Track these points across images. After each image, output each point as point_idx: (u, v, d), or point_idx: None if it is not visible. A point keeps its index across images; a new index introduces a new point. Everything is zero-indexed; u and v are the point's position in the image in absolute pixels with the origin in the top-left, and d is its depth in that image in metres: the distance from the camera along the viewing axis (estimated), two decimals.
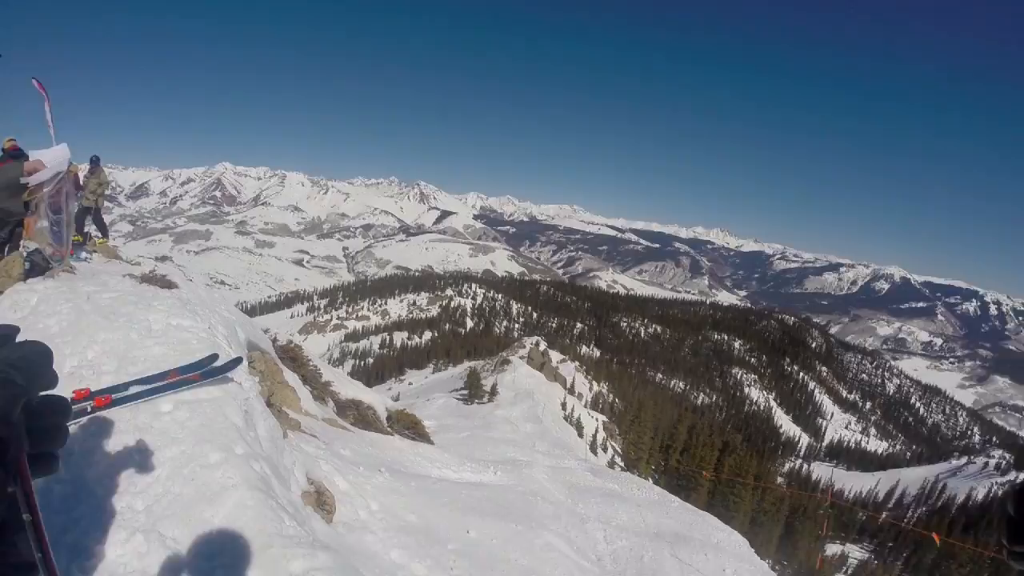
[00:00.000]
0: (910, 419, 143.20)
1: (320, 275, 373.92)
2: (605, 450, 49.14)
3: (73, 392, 4.19)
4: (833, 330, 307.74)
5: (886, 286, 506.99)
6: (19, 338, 0.85)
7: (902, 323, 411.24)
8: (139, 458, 3.58)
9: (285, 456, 5.20)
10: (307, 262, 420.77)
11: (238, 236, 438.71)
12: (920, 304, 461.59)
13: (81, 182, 12.32)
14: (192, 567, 2.91)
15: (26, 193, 1.58)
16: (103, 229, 13.30)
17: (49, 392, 0.82)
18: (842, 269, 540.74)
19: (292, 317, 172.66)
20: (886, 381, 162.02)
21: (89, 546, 2.84)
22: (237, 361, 5.08)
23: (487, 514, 7.85)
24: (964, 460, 76.48)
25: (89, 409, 4.00)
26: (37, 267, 6.87)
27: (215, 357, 4.99)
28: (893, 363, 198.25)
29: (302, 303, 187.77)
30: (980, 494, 54.10)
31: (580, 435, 46.63)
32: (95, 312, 5.57)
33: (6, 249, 7.91)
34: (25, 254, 6.89)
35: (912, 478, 65.92)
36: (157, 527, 3.12)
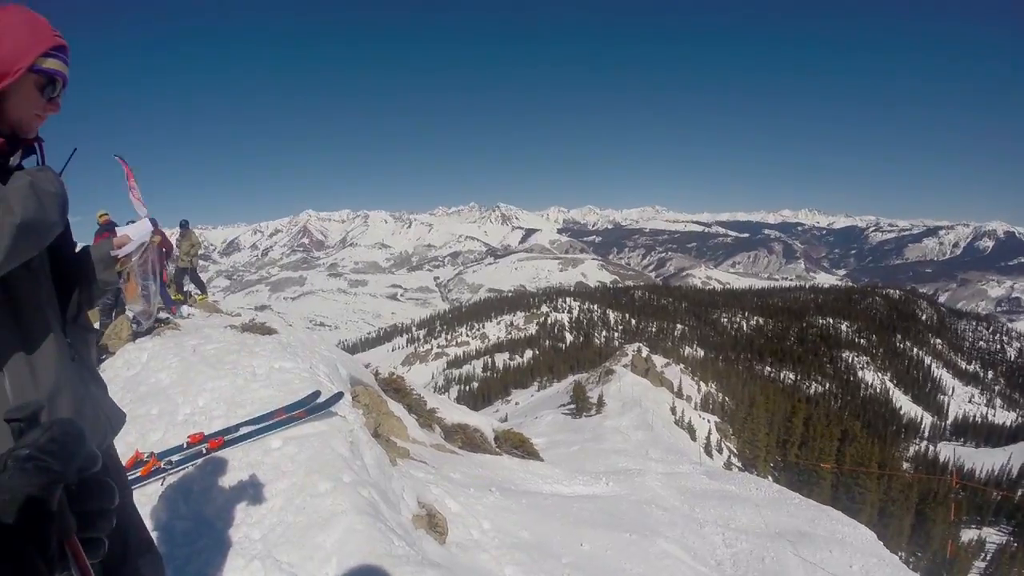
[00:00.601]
0: None
1: (415, 307, 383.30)
2: (720, 451, 47.76)
3: (188, 437, 4.52)
4: (942, 298, 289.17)
5: (991, 244, 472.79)
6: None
7: (1014, 281, 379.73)
8: (253, 492, 3.81)
9: (394, 482, 5.35)
10: (401, 295, 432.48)
11: (331, 278, 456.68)
12: None
13: (174, 245, 13.23)
14: None
15: (117, 265, 1.77)
16: (201, 286, 14.16)
17: (92, 472, 0.73)
18: (941, 232, 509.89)
19: (393, 350, 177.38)
20: (1006, 346, 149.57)
21: (210, 574, 3.03)
22: (339, 396, 5.31)
23: (599, 525, 7.78)
24: None
25: (204, 451, 4.31)
26: (143, 329, 7.43)
27: (317, 394, 5.23)
28: (1010, 325, 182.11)
29: (401, 336, 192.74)
30: None
31: (693, 438, 45.48)
32: (202, 363, 5.96)
33: (114, 313, 8.60)
34: (132, 316, 7.46)
35: None
36: (273, 553, 3.30)
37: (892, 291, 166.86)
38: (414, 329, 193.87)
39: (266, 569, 3.17)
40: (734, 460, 47.96)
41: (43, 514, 0.61)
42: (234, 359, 6.14)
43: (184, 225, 13.77)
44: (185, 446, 4.45)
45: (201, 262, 14.15)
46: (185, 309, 10.19)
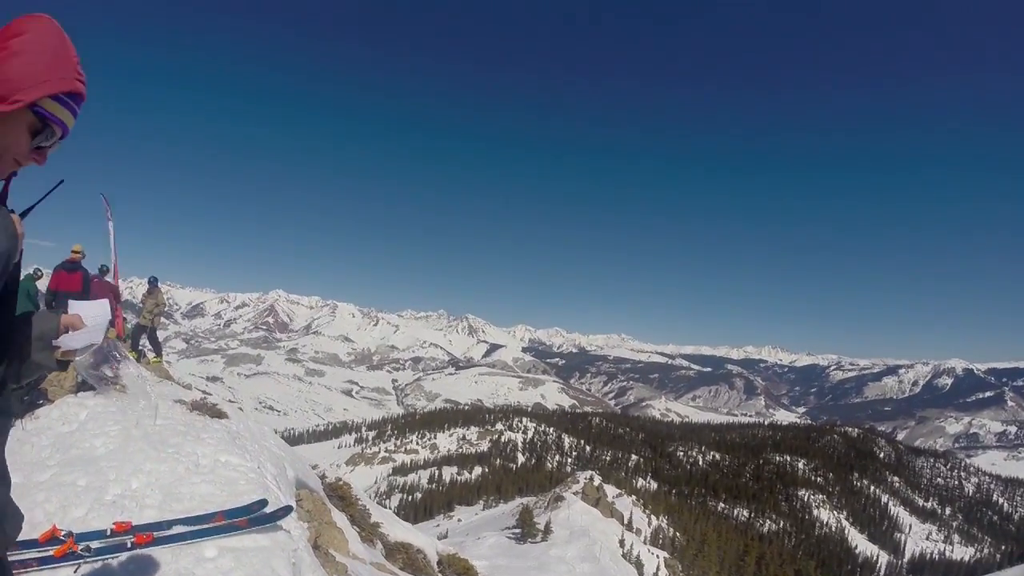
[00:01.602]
0: (995, 518, 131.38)
1: (369, 406, 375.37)
2: None
3: (114, 524, 4.03)
4: (900, 436, 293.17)
5: (949, 381, 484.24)
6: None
7: (971, 417, 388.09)
8: None
9: None
10: (356, 392, 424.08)
11: (288, 363, 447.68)
12: (988, 394, 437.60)
13: (140, 301, 12.88)
14: None
15: (58, 353, 1.54)
16: (157, 348, 13.70)
17: None
18: (901, 371, 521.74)
19: (339, 447, 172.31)
20: (963, 481, 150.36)
21: None
22: (287, 510, 4.84)
23: None
24: None
25: (129, 544, 3.83)
26: (87, 384, 6.91)
27: (264, 503, 4.76)
28: (968, 461, 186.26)
29: (350, 434, 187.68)
30: None
31: (641, 574, 43.98)
32: (143, 439, 5.49)
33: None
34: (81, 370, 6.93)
35: None
36: None
37: (850, 429, 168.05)
38: (364, 429, 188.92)
39: None
40: None
41: None
42: (178, 442, 5.64)
43: (153, 282, 13.50)
44: (109, 533, 3.95)
45: (163, 320, 13.74)
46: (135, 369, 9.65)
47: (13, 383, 1.55)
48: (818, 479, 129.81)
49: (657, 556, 51.46)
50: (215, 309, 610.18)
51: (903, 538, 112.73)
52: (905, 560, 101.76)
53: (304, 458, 11.32)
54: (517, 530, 46.01)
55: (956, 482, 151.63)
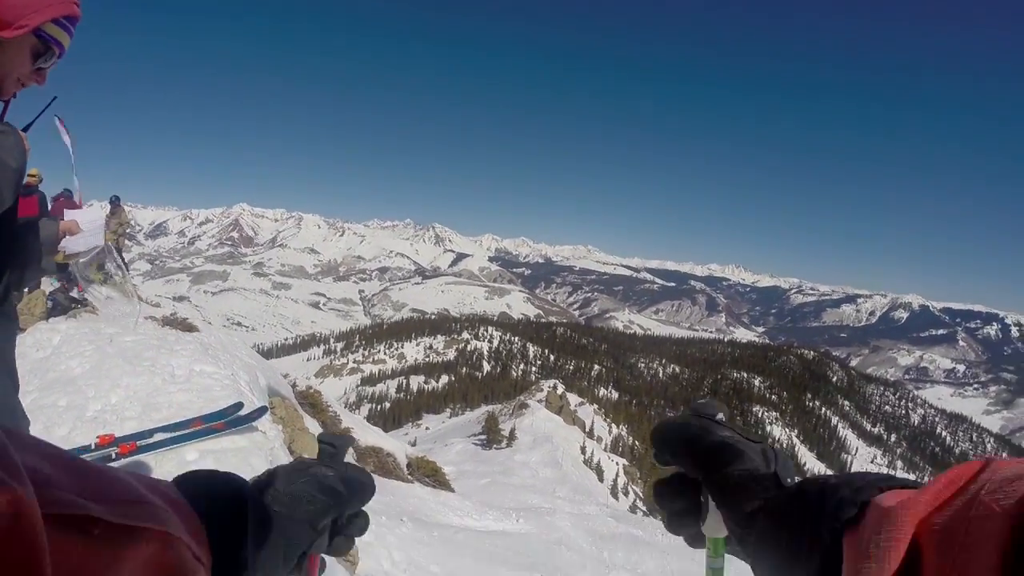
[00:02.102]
0: (937, 449, 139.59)
1: (336, 318, 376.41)
2: (627, 494, 48.17)
3: (98, 437, 4.15)
4: (853, 362, 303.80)
5: (905, 315, 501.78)
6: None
7: (923, 351, 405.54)
8: None
9: None
10: (323, 304, 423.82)
11: (255, 277, 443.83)
12: (940, 331, 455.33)
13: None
14: None
15: (60, 256, 1.54)
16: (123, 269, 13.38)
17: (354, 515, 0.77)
18: (860, 300, 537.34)
19: (308, 360, 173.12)
20: (910, 412, 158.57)
21: None
22: (262, 411, 5.02)
23: (511, 564, 7.65)
24: None
25: (113, 455, 3.96)
26: (59, 306, 6.90)
27: (240, 406, 4.92)
28: (916, 393, 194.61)
29: (318, 346, 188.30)
30: None
31: (601, 479, 45.77)
32: (118, 355, 5.57)
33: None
34: (47, 292, 6.91)
35: None
36: None
37: (807, 351, 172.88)
38: (332, 341, 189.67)
39: None
40: (639, 504, 48.42)
41: (304, 523, 0.65)
42: (152, 356, 5.75)
43: (115, 201, 13.03)
44: (94, 447, 4.08)
45: (126, 242, 13.42)
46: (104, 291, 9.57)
47: (15, 289, 1.64)
48: (773, 397, 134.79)
49: (617, 463, 53.51)
50: (178, 227, 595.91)
51: (849, 459, 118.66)
52: None
53: (275, 368, 11.50)
54: (483, 436, 47.34)
55: (903, 411, 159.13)
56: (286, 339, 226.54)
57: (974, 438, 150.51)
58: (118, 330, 6.25)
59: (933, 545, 0.38)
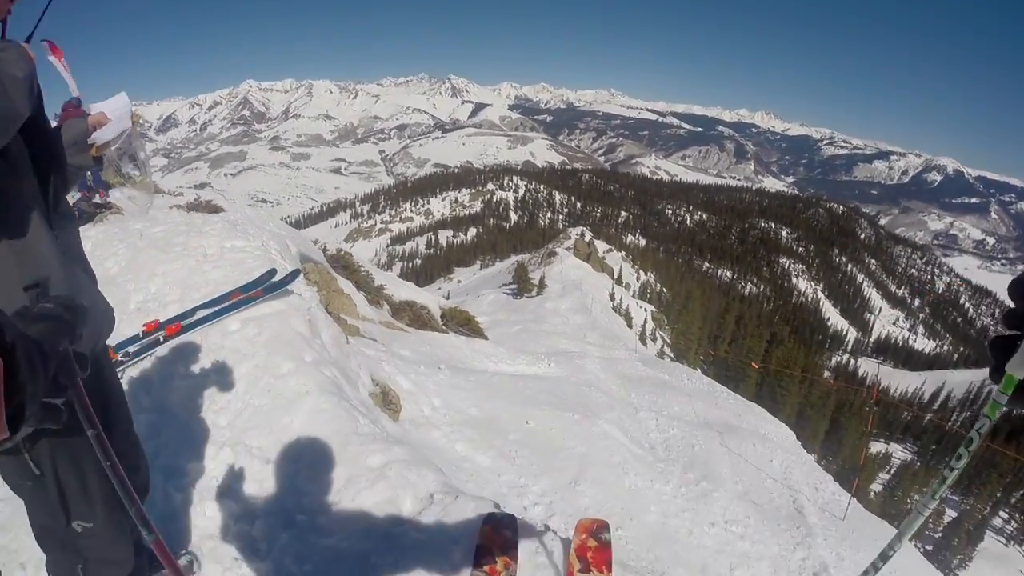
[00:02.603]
0: (959, 320, 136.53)
1: (359, 181, 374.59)
2: (654, 340, 49.48)
3: (144, 325, 4.38)
4: (883, 221, 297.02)
5: (938, 178, 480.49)
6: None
7: (954, 218, 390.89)
8: (216, 377, 3.79)
9: (351, 360, 5.44)
10: (345, 169, 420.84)
11: (272, 152, 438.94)
12: (973, 200, 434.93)
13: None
14: (278, 471, 3.13)
15: (93, 150, 1.61)
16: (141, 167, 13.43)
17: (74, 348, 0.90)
18: (893, 158, 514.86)
19: (336, 226, 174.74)
20: (936, 278, 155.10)
21: (181, 466, 3.06)
22: (295, 274, 5.25)
23: (544, 405, 8.14)
24: None
25: (161, 339, 4.20)
26: (85, 215, 7.07)
27: (273, 272, 5.15)
28: (943, 260, 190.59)
29: (345, 211, 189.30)
30: None
31: (629, 325, 46.83)
32: (150, 247, 5.77)
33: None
34: (72, 203, 7.08)
35: (958, 381, 62.00)
36: (242, 439, 3.34)
37: (836, 205, 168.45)
38: (358, 204, 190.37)
39: (237, 455, 3.22)
40: (667, 350, 49.82)
41: (41, 365, 0.77)
42: (183, 240, 5.96)
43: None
44: (141, 335, 4.30)
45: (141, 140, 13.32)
46: (125, 192, 9.71)
47: (63, 191, 1.76)
48: (799, 249, 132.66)
49: (645, 309, 54.52)
50: (187, 116, 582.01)
51: (872, 319, 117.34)
52: (871, 339, 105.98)
53: (304, 235, 11.77)
54: (514, 286, 48.19)
55: (929, 277, 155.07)
56: (312, 209, 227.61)
57: (996, 314, 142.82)
58: (146, 223, 6.43)
59: None
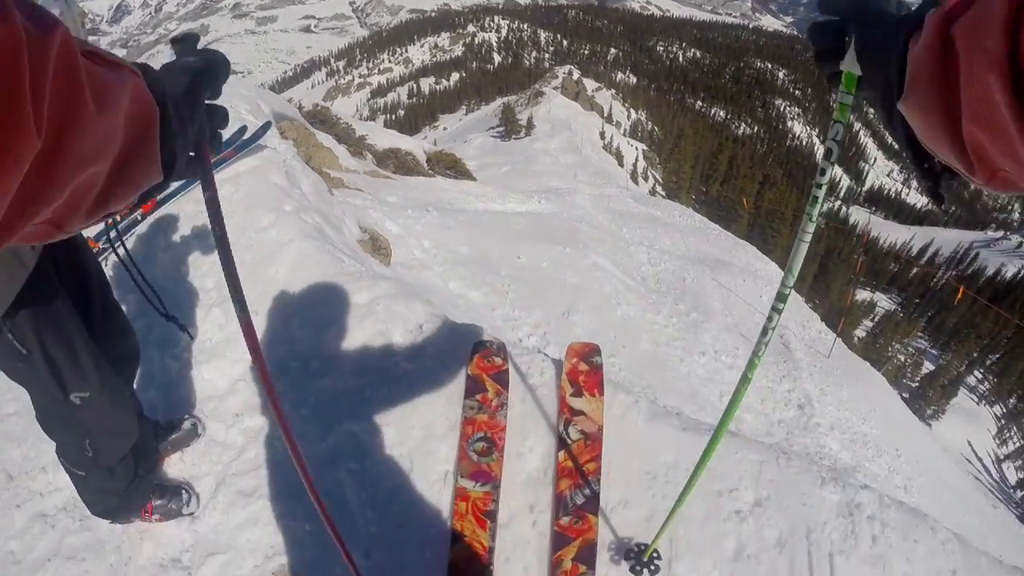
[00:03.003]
0: (955, 183, 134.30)
1: (332, 37, 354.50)
2: (646, 179, 49.22)
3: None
4: None
5: None
6: None
7: None
8: (197, 243, 3.71)
9: (335, 207, 5.37)
10: (315, 27, 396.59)
11: (236, 20, 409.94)
12: None
13: None
14: (270, 322, 3.16)
15: None
16: None
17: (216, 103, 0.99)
18: None
19: (313, 87, 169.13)
20: None
21: (174, 334, 3.02)
22: (267, 126, 5.04)
23: (535, 239, 8.17)
24: (1000, 234, 71.17)
25: (139, 217, 4.11)
26: None
27: (244, 129, 4.94)
28: None
29: (320, 70, 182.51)
30: (1010, 272, 50.26)
31: (620, 164, 46.48)
32: None
33: None
34: None
35: (947, 239, 61.35)
36: (229, 296, 3.32)
37: None
38: (333, 61, 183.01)
39: (226, 314, 3.20)
40: (659, 188, 49.69)
41: (190, 97, 0.86)
42: None
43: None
44: (118, 219, 4.22)
45: (91, 38, 12.35)
46: None
47: None
48: (796, 92, 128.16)
49: (636, 148, 53.76)
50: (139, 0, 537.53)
51: (867, 168, 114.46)
52: (864, 188, 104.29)
53: (277, 95, 11.30)
54: (501, 128, 47.28)
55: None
56: (285, 72, 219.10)
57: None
58: None
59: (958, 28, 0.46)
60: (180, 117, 0.81)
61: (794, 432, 6.43)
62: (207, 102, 0.95)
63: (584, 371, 2.66)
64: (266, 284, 3.39)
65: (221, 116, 0.98)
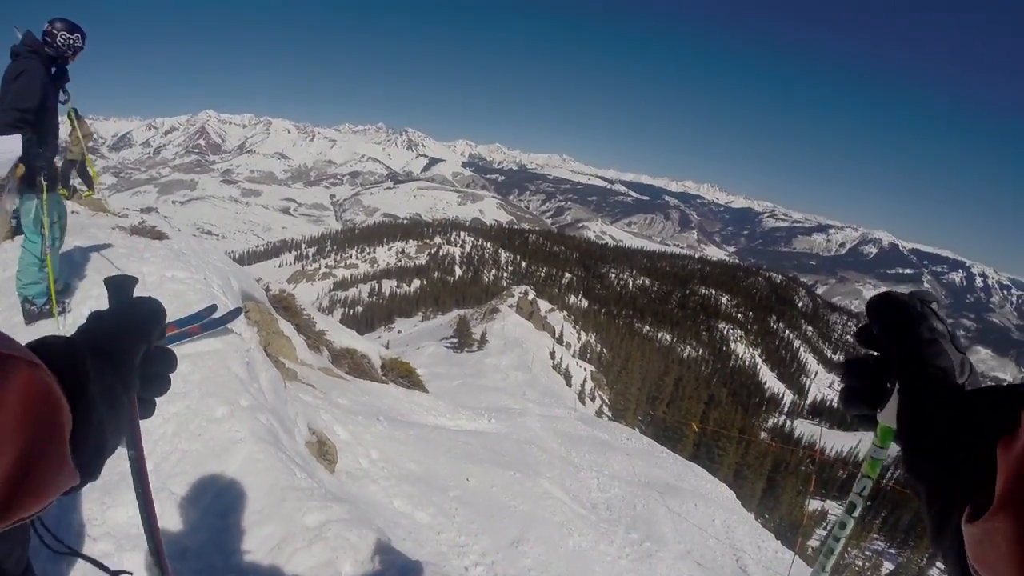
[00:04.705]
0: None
1: (307, 223, 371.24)
2: (593, 399, 49.57)
3: None
4: (820, 291, 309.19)
5: (874, 250, 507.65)
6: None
7: (888, 288, 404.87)
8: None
9: (288, 406, 5.16)
10: (294, 210, 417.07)
11: (224, 185, 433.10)
12: (907, 271, 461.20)
13: (66, 135, 11.92)
14: (205, 525, 2.83)
15: None
16: (88, 182, 12.96)
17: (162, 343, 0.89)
18: (831, 231, 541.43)
19: (280, 266, 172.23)
20: None
21: (99, 513, 2.75)
22: (237, 312, 4.98)
23: (485, 462, 7.91)
24: None
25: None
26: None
27: (214, 308, 4.88)
28: None
29: (290, 252, 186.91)
30: None
31: (569, 384, 46.94)
32: (87, 267, 5.46)
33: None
34: (11, 212, 6.71)
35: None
36: (167, 485, 3.03)
37: (775, 275, 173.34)
38: (304, 246, 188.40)
39: (160, 503, 2.91)
40: (605, 409, 49.89)
41: (120, 355, 0.77)
42: (123, 265, 5.64)
43: (75, 112, 12.42)
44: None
45: (89, 155, 12.87)
46: (69, 205, 9.27)
47: None
48: (739, 315, 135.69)
49: (585, 369, 54.77)
50: (143, 137, 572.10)
51: (808, 382, 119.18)
52: (807, 401, 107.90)
53: (248, 272, 11.39)
54: (455, 339, 47.96)
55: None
56: (257, 246, 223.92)
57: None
58: (86, 242, 6.11)
59: None
60: (108, 390, 0.71)
61: None
62: (152, 344, 0.86)
63: None
64: (209, 482, 3.12)
65: (164, 363, 0.88)
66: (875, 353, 0.77)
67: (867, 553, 40.04)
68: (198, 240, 9.73)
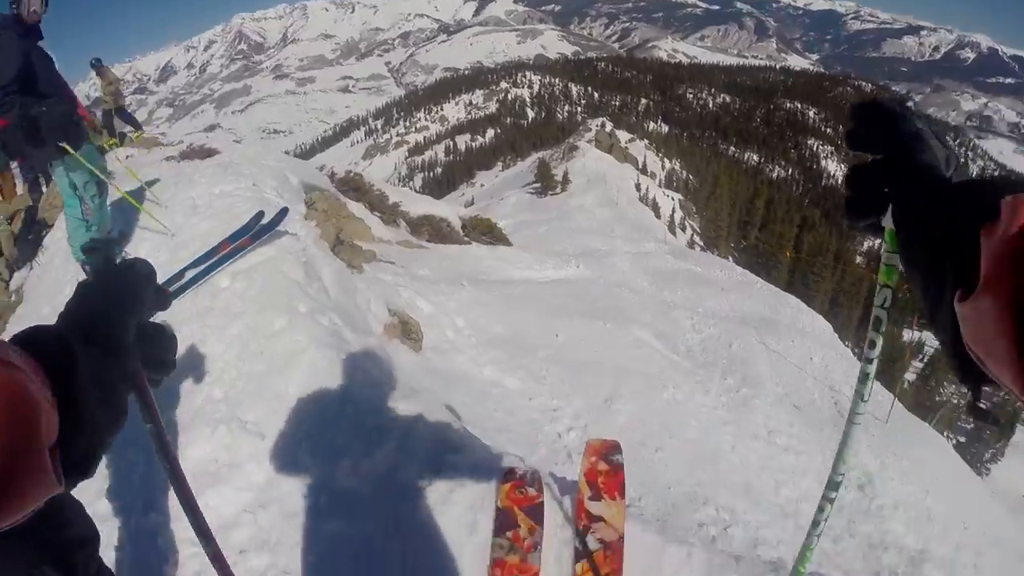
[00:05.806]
0: None
1: (369, 96, 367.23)
2: (684, 229, 48.62)
3: None
4: (914, 100, 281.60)
5: (972, 55, 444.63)
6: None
7: (989, 99, 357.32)
8: (208, 344, 3.49)
9: (358, 295, 5.11)
10: (353, 87, 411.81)
11: (277, 81, 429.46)
12: (1009, 80, 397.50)
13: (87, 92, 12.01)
14: (277, 446, 2.85)
15: None
16: (135, 123, 13.09)
17: (162, 322, 0.84)
18: (923, 33, 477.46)
19: (352, 145, 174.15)
20: (970, 162, 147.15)
21: (179, 453, 2.80)
22: (284, 212, 4.84)
23: (574, 313, 7.83)
24: None
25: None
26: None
27: (261, 215, 4.77)
28: (977, 142, 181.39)
29: (358, 129, 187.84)
30: None
31: (657, 216, 45.95)
32: (135, 211, 5.47)
33: (42, 182, 7.90)
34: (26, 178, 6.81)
35: None
36: (237, 414, 3.05)
37: (865, 83, 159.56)
38: (371, 120, 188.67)
39: (232, 433, 2.93)
40: (697, 239, 49.04)
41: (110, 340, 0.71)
42: (171, 195, 5.63)
43: (96, 64, 12.34)
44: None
45: (138, 95, 12.84)
46: (122, 151, 9.37)
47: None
48: (828, 130, 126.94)
49: (672, 198, 53.37)
50: (184, 60, 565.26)
51: None
52: None
53: (308, 163, 11.33)
54: (536, 184, 47.47)
55: (963, 160, 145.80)
56: (325, 131, 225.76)
57: None
58: (133, 185, 6.09)
59: None
60: (102, 382, 0.64)
61: (856, 519, 5.82)
62: (147, 320, 0.81)
63: (603, 471, 2.37)
64: (275, 401, 3.11)
65: (161, 341, 0.82)
66: (870, 157, 0.77)
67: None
68: (255, 145, 9.69)
